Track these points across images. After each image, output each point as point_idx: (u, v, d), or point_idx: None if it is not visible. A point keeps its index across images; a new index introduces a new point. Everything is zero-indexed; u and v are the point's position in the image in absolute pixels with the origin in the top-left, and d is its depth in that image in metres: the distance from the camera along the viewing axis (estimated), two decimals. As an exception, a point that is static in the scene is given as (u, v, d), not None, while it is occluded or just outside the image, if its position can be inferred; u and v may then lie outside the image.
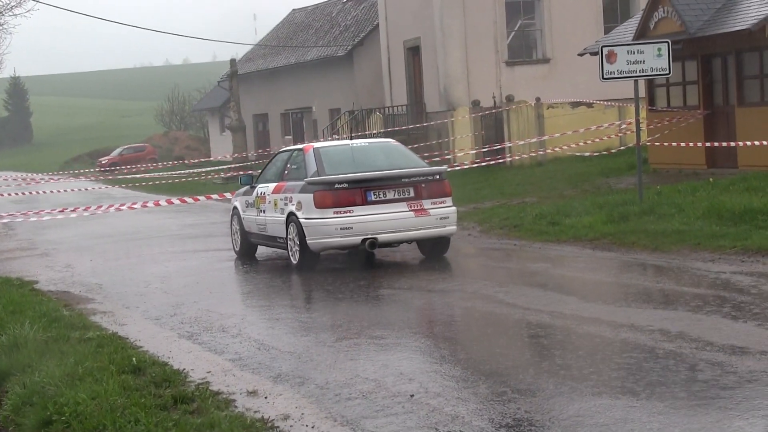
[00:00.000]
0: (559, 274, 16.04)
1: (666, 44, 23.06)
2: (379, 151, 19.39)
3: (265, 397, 9.32)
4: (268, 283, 18.01)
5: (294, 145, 56.86)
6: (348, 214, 17.24)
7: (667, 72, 23.23)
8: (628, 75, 22.95)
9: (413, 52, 48.24)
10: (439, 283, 15.88)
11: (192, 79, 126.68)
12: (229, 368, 10.70)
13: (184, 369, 10.57)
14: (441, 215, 17.83)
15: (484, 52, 44.48)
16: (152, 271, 19.82)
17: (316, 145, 19.45)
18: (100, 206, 24.97)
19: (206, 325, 13.44)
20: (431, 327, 12.90)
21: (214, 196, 24.56)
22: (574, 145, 34.45)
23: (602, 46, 23.34)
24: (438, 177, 18.22)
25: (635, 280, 14.88)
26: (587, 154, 35.51)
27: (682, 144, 27.78)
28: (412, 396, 8.99)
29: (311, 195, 17.43)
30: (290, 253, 18.29)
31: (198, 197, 24.43)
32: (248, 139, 60.24)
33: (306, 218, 17.51)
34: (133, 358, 10.81)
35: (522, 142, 36.74)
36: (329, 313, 13.97)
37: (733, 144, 26.71)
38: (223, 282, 18.30)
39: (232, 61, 58.09)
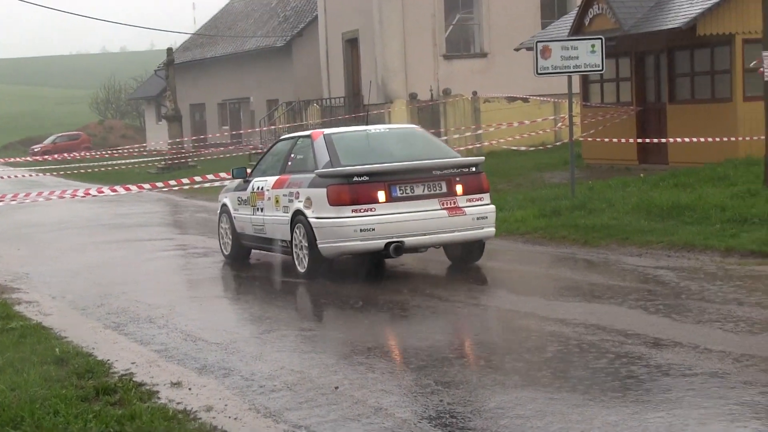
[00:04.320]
0: (490, 267, 16.08)
1: (600, 41, 23.20)
2: (401, 139, 16.72)
3: (189, 389, 9.26)
4: (201, 273, 17.59)
5: (232, 133, 57.55)
6: (369, 213, 14.51)
7: (601, 68, 23.38)
8: (562, 71, 23.05)
9: (352, 44, 48.12)
10: (360, 278, 15.75)
11: (129, 68, 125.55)
12: (155, 359, 10.60)
13: (108, 360, 10.47)
14: (478, 215, 15.19)
15: (422, 46, 44.46)
16: (81, 260, 19.52)
17: (327, 131, 16.47)
18: (29, 194, 23.80)
19: (133, 315, 13.29)
20: (357, 318, 12.85)
21: (146, 186, 23.97)
22: (510, 139, 34.63)
23: (537, 42, 23.45)
24: (475, 169, 15.47)
25: (564, 274, 15.06)
26: (522, 148, 35.64)
27: (615, 140, 28.09)
28: (336, 388, 8.98)
29: (324, 190, 14.72)
30: (296, 260, 15.46)
31: (130, 187, 23.88)
32: (185, 128, 59.80)
33: (317, 218, 14.80)
34: (57, 349, 10.72)
35: (458, 136, 36.87)
36: (258, 304, 13.95)
37: (663, 141, 27.01)
38: (153, 272, 17.90)
39: (169, 50, 57.72)
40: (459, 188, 15.10)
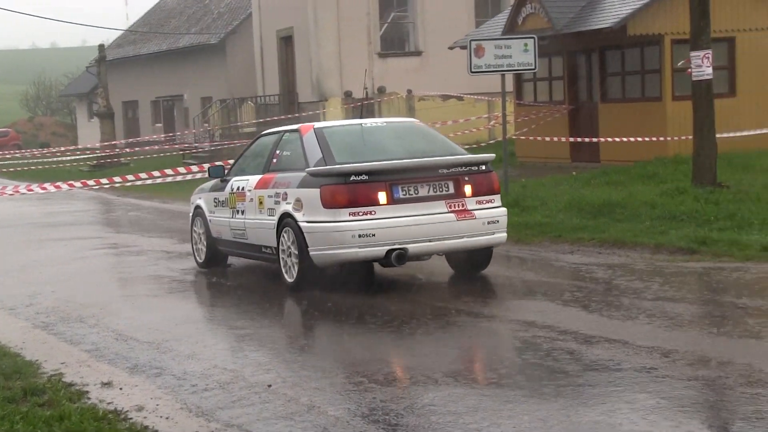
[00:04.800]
0: (423, 266, 16.04)
1: (533, 40, 23.37)
2: (400, 134, 14.98)
3: (120, 389, 9.17)
4: (134, 272, 17.14)
5: (164, 133, 57.22)
6: (369, 216, 12.78)
7: (533, 67, 23.56)
8: (495, 69, 23.19)
9: (286, 41, 48.02)
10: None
11: (60, 64, 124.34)
12: (85, 359, 10.49)
13: (37, 360, 10.36)
14: (489, 218, 13.46)
15: (357, 44, 44.43)
16: (10, 260, 19.23)
17: (318, 124, 14.64)
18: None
19: (63, 315, 13.12)
20: (291, 318, 12.96)
21: (77, 185, 23.61)
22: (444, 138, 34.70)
23: (471, 40, 23.60)
24: (484, 167, 13.78)
25: (498, 271, 15.02)
26: (462, 146, 35.76)
27: (548, 138, 28.29)
28: (269, 386, 8.96)
29: (317, 190, 12.97)
30: (283, 268, 13.76)
31: (61, 185, 23.50)
32: (117, 126, 59.34)
33: (309, 222, 13.08)
34: (-17, 350, 10.50)
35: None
36: (192, 303, 13.85)
37: (595, 139, 27.27)
38: (85, 272, 17.50)
39: (101, 47, 57.29)
40: (468, 189, 13.41)
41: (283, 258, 13.74)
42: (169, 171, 25.20)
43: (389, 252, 12.85)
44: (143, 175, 25.72)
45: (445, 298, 13.26)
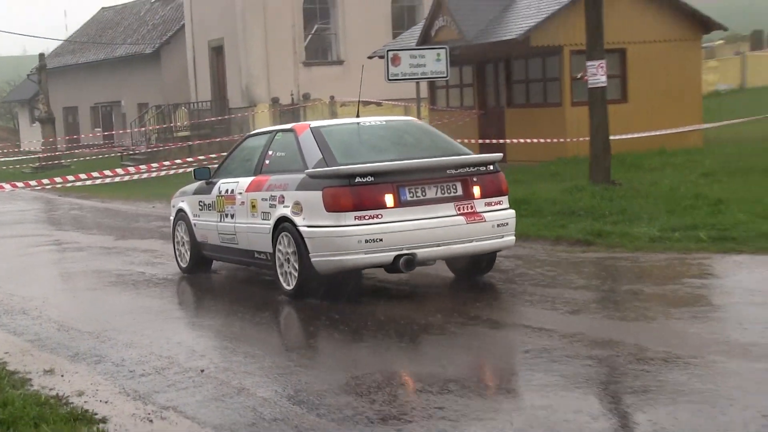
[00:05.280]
0: None
1: (445, 50, 23.56)
2: (399, 133, 13.08)
3: (62, 376, 9.09)
4: (75, 267, 16.85)
5: (104, 135, 56.71)
6: (375, 220, 11.12)
7: (445, 75, 23.75)
8: (410, 77, 23.35)
9: (217, 51, 47.89)
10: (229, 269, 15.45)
11: (1, 72, 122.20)
12: (28, 349, 10.36)
13: (-19, 351, 10.23)
14: (499, 221, 11.85)
15: (283, 53, 44.51)
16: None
17: (314, 123, 12.83)
18: None
19: (7, 308, 12.93)
20: (227, 307, 12.74)
21: (20, 185, 23.11)
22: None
23: (388, 51, 23.73)
24: (492, 168, 12.13)
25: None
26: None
27: (459, 140, 28.29)
28: (202, 371, 8.96)
29: (318, 193, 11.26)
30: (281, 276, 12.08)
31: (4, 185, 23.05)
32: (58, 130, 58.64)
33: (310, 226, 11.36)
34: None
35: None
36: (131, 295, 13.63)
37: (502, 141, 27.46)
38: (28, 267, 17.27)
39: (41, 56, 56.62)
40: (476, 190, 11.74)
41: (280, 264, 12.02)
42: (107, 172, 24.97)
43: (397, 258, 11.22)
44: (83, 176, 25.49)
45: (359, 291, 13.20)
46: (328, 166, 11.49)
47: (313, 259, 11.33)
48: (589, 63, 21.08)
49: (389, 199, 11.20)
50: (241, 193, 13.02)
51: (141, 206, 27.68)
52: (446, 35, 29.94)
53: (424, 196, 11.44)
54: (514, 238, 12.31)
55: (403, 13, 46.19)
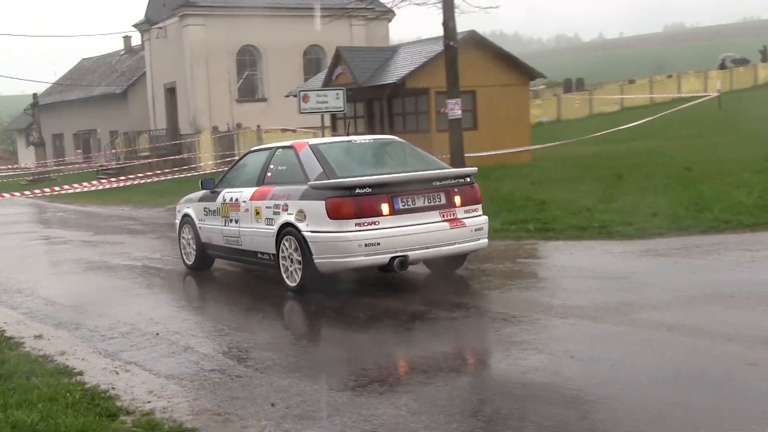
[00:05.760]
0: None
1: (342, 91, 23.49)
2: (386, 150, 11.72)
3: (48, 340, 8.96)
4: (61, 257, 16.41)
5: (83, 156, 55.75)
6: (373, 227, 9.95)
7: (343, 109, 23.68)
8: (317, 111, 23.27)
9: (171, 91, 47.42)
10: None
11: (4, 107, 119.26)
12: (21, 320, 10.19)
13: (-16, 321, 10.01)
14: (476, 226, 10.76)
15: (221, 93, 44.26)
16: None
17: (311, 141, 11.41)
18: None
19: (6, 288, 12.65)
20: (180, 286, 12.55)
21: (17, 194, 22.52)
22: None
23: (300, 91, 23.56)
24: (469, 180, 10.96)
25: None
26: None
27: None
28: (157, 334, 8.87)
29: (322, 202, 10.05)
30: (284, 274, 10.70)
31: (4, 194, 22.50)
32: (48, 152, 57.26)
33: (314, 231, 10.12)
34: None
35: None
36: (103, 277, 13.40)
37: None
38: (24, 256, 16.82)
39: (35, 95, 55.26)
40: (457, 199, 10.63)
41: (284, 264, 10.69)
42: (86, 183, 24.69)
43: (392, 259, 10.02)
44: (67, 187, 25.12)
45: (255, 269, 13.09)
46: (328, 179, 10.19)
47: (316, 261, 10.09)
48: (448, 101, 21.34)
49: (385, 207, 9.98)
50: (245, 202, 11.58)
51: (113, 209, 27.21)
52: (343, 79, 29.96)
53: (414, 204, 10.22)
54: (487, 240, 11.08)
55: (312, 63, 46.05)
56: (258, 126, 40.32)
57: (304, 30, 43.42)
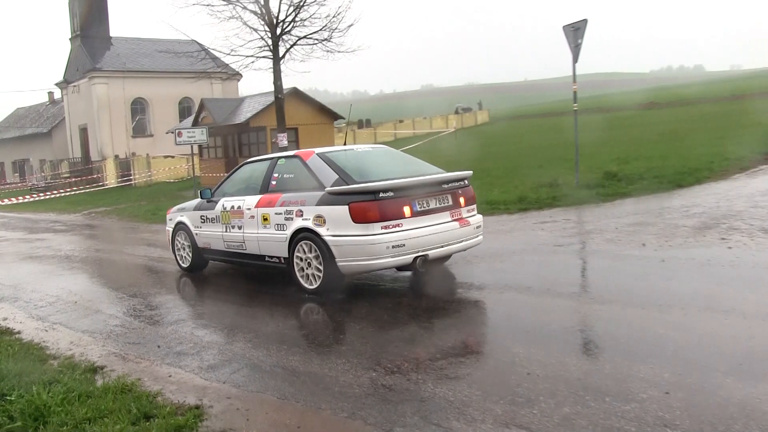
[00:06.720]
0: (157, 238, 14.87)
1: (206, 128, 22.96)
2: (384, 156, 8.58)
3: (-7, 310, 8.27)
4: (2, 250, 14.65)
5: (19, 178, 51.23)
6: (398, 229, 7.24)
7: (206, 142, 23.16)
8: (188, 143, 22.62)
9: (84, 130, 44.56)
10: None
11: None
12: (-28, 297, 9.32)
13: (-53, 300, 9.02)
14: (477, 224, 8.08)
15: (121, 131, 42.11)
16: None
17: (318, 150, 8.32)
18: None
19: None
20: (91, 265, 11.61)
21: None
22: (165, 176, 33.53)
23: (175, 129, 22.86)
24: (466, 182, 8.11)
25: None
26: (172, 180, 34.45)
27: (214, 174, 27.77)
28: (76, 302, 8.39)
29: (344, 207, 7.25)
30: (300, 277, 7.75)
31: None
32: (-9, 175, 52.59)
33: (335, 236, 7.32)
34: None
35: (140, 174, 35.17)
36: (37, 264, 12.29)
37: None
38: None
39: (-21, 134, 50.52)
40: (461, 200, 7.92)
41: (299, 268, 7.77)
42: (21, 197, 22.74)
43: (414, 259, 7.33)
44: (6, 200, 23.09)
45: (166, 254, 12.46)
46: (347, 185, 7.36)
47: (339, 264, 7.30)
48: (278, 134, 21.25)
49: (407, 210, 7.29)
50: (249, 209, 8.52)
51: (42, 215, 25.20)
52: (207, 120, 29.13)
53: (428, 206, 7.50)
54: (482, 237, 8.25)
55: (185, 109, 44.40)
56: (147, 154, 38.62)
57: (179, 86, 41.82)
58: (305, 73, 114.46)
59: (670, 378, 4.33)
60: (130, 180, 35.42)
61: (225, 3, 20.58)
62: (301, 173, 8.09)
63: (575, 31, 13.69)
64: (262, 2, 20.62)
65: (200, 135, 22.65)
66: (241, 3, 20.58)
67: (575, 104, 14.88)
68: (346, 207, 7.21)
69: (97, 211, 23.58)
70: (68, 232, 18.27)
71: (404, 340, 5.78)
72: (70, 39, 44.95)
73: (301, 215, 7.72)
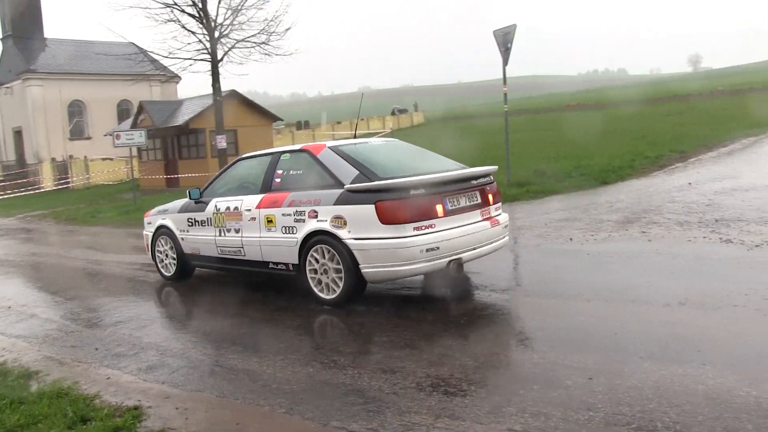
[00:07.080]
0: (96, 240, 14.71)
1: (145, 130, 22.40)
2: (400, 150, 7.21)
3: None
4: None
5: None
6: (431, 230, 5.96)
7: (144, 144, 22.56)
8: (127, 144, 21.99)
9: (18, 133, 42.65)
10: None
11: None
12: None
13: None
14: (504, 223, 6.84)
15: (57, 133, 40.53)
16: None
17: (330, 143, 6.85)
18: None
19: None
20: (25, 269, 11.12)
21: None
22: (103, 178, 32.64)
23: (114, 131, 22.27)
24: (491, 178, 6.84)
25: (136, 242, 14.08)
26: (110, 183, 33.42)
27: (155, 176, 27.21)
28: (9, 307, 8.01)
29: (370, 206, 5.91)
30: (315, 286, 6.44)
31: None
32: None
33: (359, 239, 6.00)
34: None
35: (78, 177, 34.01)
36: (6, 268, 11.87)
37: (176, 176, 26.58)
38: None
39: None
40: (490, 197, 6.68)
41: (314, 275, 6.45)
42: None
43: (449, 263, 6.08)
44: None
45: (107, 257, 11.91)
46: (370, 181, 6.11)
47: (364, 270, 6.05)
48: (217, 136, 20.90)
49: (440, 209, 6.08)
50: (249, 210, 7.11)
51: (-27, 219, 24.07)
52: (146, 123, 28.39)
53: (459, 204, 6.29)
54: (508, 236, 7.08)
55: (123, 112, 42.99)
56: (85, 156, 37.26)
57: (117, 89, 40.55)
58: (244, 75, 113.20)
59: (593, 365, 4.44)
60: (68, 183, 34.14)
61: (162, 6, 20.14)
62: (312, 169, 6.69)
63: (505, 36, 13.97)
64: (200, 6, 20.27)
65: (139, 137, 22.03)
66: (178, 6, 20.18)
67: (506, 106, 15.19)
68: (372, 206, 5.94)
69: (33, 214, 22.61)
70: (2, 236, 17.42)
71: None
72: (0, 39, 43.03)
73: (316, 216, 6.38)
